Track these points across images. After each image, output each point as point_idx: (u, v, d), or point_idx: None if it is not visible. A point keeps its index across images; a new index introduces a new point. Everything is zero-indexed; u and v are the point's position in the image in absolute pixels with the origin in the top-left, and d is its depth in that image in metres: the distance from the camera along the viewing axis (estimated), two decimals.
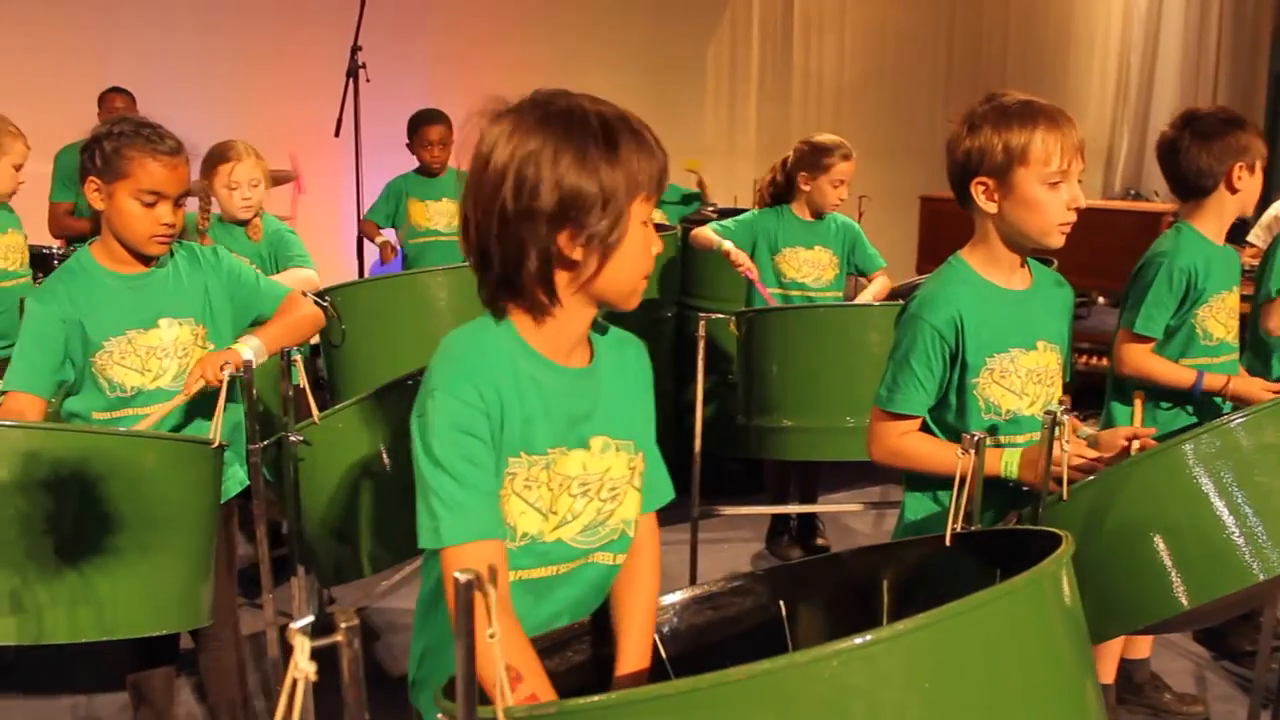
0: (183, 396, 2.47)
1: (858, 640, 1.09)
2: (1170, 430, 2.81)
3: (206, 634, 2.72)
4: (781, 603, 1.73)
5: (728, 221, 4.20)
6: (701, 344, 3.60)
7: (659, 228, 4.75)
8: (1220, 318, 2.92)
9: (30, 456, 2.12)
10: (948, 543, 1.69)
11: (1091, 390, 3.39)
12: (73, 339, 2.45)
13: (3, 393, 2.48)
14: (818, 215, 4.10)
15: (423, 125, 4.91)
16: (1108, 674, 3.03)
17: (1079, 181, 2.05)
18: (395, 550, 2.65)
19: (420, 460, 1.45)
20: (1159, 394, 2.95)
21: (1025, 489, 2.04)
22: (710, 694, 1.09)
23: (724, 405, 4.40)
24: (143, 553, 2.23)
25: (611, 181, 1.43)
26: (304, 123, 6.12)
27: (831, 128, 4.56)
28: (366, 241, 5.32)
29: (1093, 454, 2.05)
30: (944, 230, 6.93)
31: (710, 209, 5.66)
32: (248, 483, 2.62)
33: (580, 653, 1.64)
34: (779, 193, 4.14)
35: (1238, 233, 3.09)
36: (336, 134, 5.56)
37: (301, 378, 2.51)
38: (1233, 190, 2.89)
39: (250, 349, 2.49)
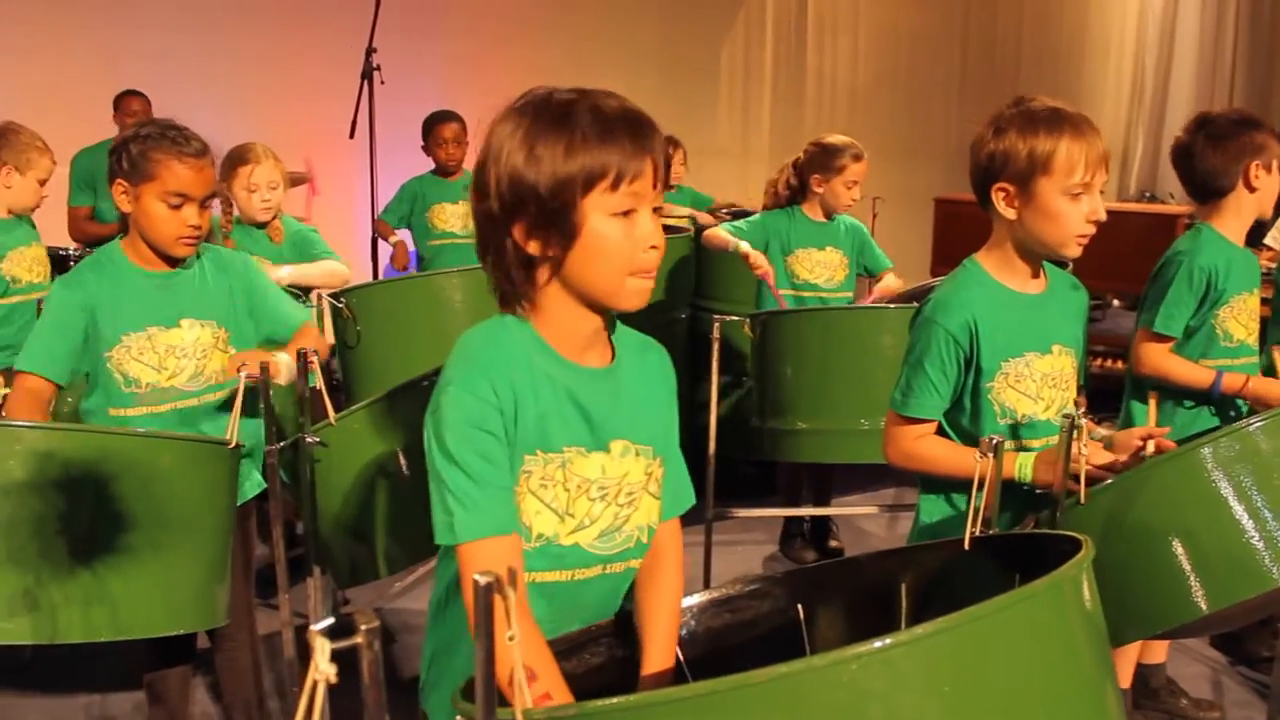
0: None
1: (877, 644, 1.09)
2: (1190, 432, 2.80)
3: (223, 634, 2.74)
4: (799, 606, 1.72)
5: (739, 222, 4.20)
6: (716, 346, 3.60)
7: (667, 229, 4.77)
8: (1241, 319, 2.91)
9: (47, 456, 2.13)
10: (966, 546, 1.68)
11: (1106, 393, 3.38)
12: (90, 328, 2.47)
13: (16, 371, 2.50)
14: (829, 216, 4.10)
15: (437, 124, 4.93)
16: (1124, 679, 3.02)
17: (1100, 192, 2.04)
18: (411, 551, 2.65)
19: (434, 456, 1.44)
20: (1178, 394, 2.93)
21: (1040, 492, 2.03)
22: (730, 696, 1.09)
23: (737, 407, 4.40)
24: (159, 553, 2.23)
25: (561, 171, 1.40)
26: (318, 125, 6.14)
27: (845, 129, 4.55)
28: (381, 243, 5.33)
29: (1106, 458, 2.04)
30: (958, 232, 6.91)
31: (723, 211, 5.67)
32: (265, 485, 2.64)
33: (597, 655, 1.64)
34: (791, 194, 4.13)
35: (1253, 236, 3.07)
36: (351, 136, 5.57)
37: (318, 379, 2.52)
38: (1251, 189, 2.88)
39: (286, 366, 2.51)
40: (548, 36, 7.31)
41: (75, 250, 4.59)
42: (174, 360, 2.53)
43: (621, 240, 1.43)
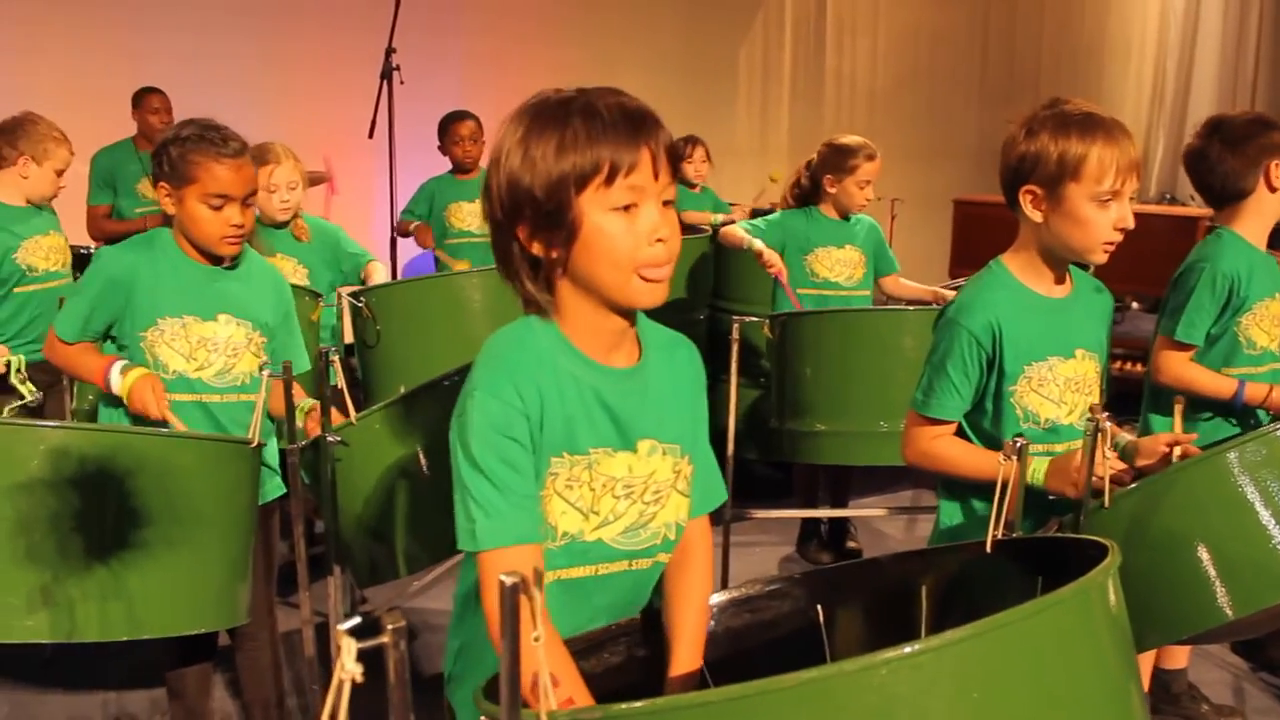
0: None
1: (907, 649, 1.08)
2: (1211, 442, 2.77)
3: (244, 633, 2.75)
4: (819, 607, 1.71)
5: (757, 221, 4.19)
6: (735, 347, 3.59)
7: (686, 229, 4.76)
8: (1264, 325, 2.87)
9: (70, 456, 2.14)
10: (989, 550, 1.67)
11: (1125, 396, 3.35)
12: (126, 300, 2.50)
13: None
14: (845, 216, 4.10)
15: (453, 122, 4.94)
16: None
17: (1130, 199, 2.02)
18: (431, 551, 2.65)
19: (459, 461, 1.44)
20: (1199, 405, 2.88)
21: (1053, 498, 2.02)
22: (758, 701, 1.08)
23: (755, 408, 4.39)
24: (180, 551, 2.24)
25: (554, 171, 1.40)
26: (338, 124, 6.16)
27: (864, 130, 4.54)
28: (400, 241, 5.34)
29: (1122, 466, 2.03)
30: (977, 233, 6.89)
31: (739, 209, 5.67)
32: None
33: (616, 654, 1.63)
34: (804, 195, 4.14)
35: (1273, 239, 3.02)
36: (370, 136, 5.59)
37: (339, 378, 2.52)
38: (1272, 189, 2.83)
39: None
40: (567, 35, 7.32)
41: (95, 248, 4.62)
42: (204, 353, 2.55)
43: (623, 235, 1.42)
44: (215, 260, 2.57)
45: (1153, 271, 3.94)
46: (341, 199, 6.63)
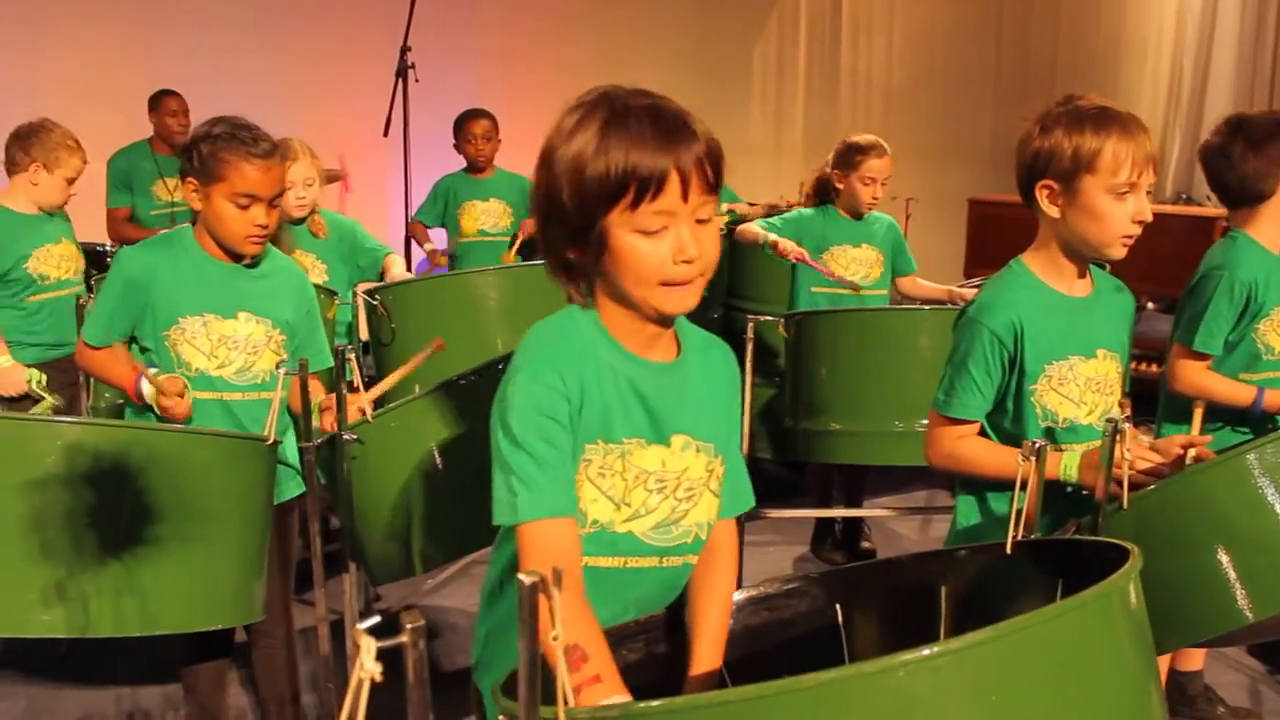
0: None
1: (925, 651, 1.08)
2: (1223, 449, 2.73)
3: (259, 630, 2.75)
4: (838, 606, 1.71)
5: (774, 219, 4.20)
6: (750, 346, 3.58)
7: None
8: None
9: (87, 452, 2.14)
10: (1008, 551, 1.67)
11: (1140, 397, 3.32)
12: (146, 300, 2.52)
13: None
14: (856, 215, 4.09)
15: (467, 121, 4.94)
16: None
17: (1148, 193, 2.00)
18: (446, 549, 2.65)
19: (499, 441, 1.46)
20: (1214, 414, 2.82)
21: (1084, 493, 2.01)
22: (775, 701, 1.08)
23: (770, 407, 4.38)
24: (194, 547, 2.25)
25: (583, 188, 1.42)
26: (352, 122, 6.17)
27: (880, 129, 4.54)
28: (414, 241, 5.35)
29: (1157, 458, 2.01)
30: (992, 233, 6.88)
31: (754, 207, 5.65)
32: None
33: (635, 651, 1.63)
34: (819, 192, 4.15)
35: None
36: (385, 133, 5.59)
37: (356, 376, 2.52)
38: None
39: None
40: (582, 32, 7.32)
41: (112, 248, 4.63)
42: (225, 351, 2.56)
43: (649, 256, 1.44)
44: (236, 258, 2.57)
45: (1169, 272, 3.92)
46: (356, 196, 6.64)
